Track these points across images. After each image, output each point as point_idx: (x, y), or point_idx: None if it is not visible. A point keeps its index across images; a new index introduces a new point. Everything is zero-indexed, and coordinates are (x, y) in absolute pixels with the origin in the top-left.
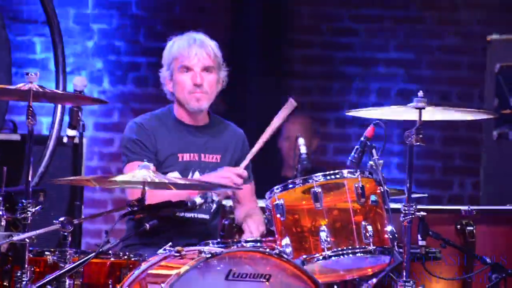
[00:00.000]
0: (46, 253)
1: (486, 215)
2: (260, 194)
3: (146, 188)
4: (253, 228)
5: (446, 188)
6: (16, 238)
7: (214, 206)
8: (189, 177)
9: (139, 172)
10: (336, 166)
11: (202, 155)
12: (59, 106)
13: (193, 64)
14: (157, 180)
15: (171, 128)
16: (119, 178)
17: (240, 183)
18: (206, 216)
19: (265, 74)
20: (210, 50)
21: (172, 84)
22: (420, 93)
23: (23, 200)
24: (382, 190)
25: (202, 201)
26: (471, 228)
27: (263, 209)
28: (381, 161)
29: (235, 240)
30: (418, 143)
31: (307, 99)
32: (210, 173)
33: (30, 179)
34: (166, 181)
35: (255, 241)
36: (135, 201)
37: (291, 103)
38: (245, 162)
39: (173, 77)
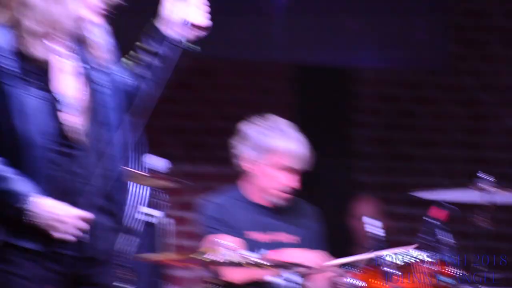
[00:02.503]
0: None
1: None
2: None
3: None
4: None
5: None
6: None
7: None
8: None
9: (225, 251)
10: (404, 245)
11: (276, 234)
12: (139, 187)
13: (297, 168)
14: (233, 259)
15: (243, 207)
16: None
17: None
18: None
19: (329, 155)
20: (308, 154)
21: (257, 170)
22: (484, 175)
23: None
24: (454, 272)
25: (286, 284)
26: None
27: None
28: (449, 242)
29: None
30: (485, 225)
31: (373, 179)
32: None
33: None
34: (244, 260)
35: None
36: (216, 279)
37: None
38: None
39: (262, 165)
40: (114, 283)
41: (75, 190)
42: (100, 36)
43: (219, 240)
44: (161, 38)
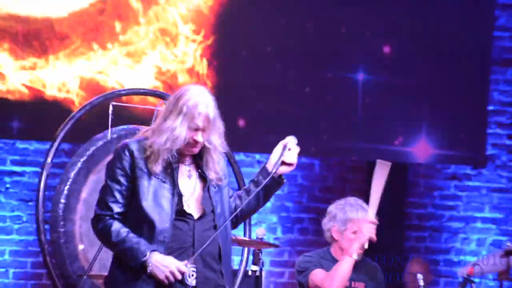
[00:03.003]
0: None
1: None
2: None
3: None
4: None
5: None
6: None
7: None
8: None
9: None
10: None
11: (352, 283)
12: (246, 249)
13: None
14: None
15: (330, 264)
16: None
17: (373, 232)
18: None
19: (393, 231)
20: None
21: (340, 236)
22: (508, 243)
23: None
24: None
25: None
26: None
27: None
28: None
29: None
30: (506, 280)
31: (423, 245)
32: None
33: None
34: None
35: None
36: None
37: (382, 165)
38: (372, 213)
39: (344, 233)
40: None
41: (187, 249)
42: (216, 157)
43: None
44: (267, 174)
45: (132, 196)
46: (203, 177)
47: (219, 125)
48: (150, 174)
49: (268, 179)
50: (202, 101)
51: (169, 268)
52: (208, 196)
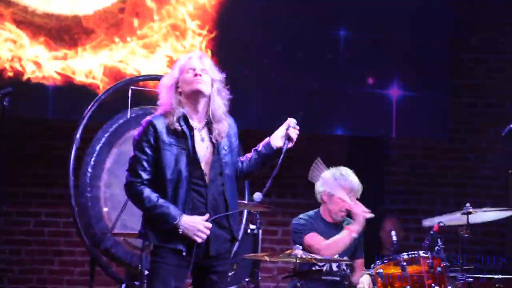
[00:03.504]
0: None
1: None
2: (368, 265)
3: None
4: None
5: (485, 263)
6: None
7: (344, 272)
8: None
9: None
10: (415, 249)
11: None
12: (245, 212)
13: (350, 196)
14: (304, 257)
15: (319, 225)
16: (282, 256)
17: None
18: (338, 278)
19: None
20: (359, 188)
21: (328, 199)
22: (468, 205)
23: None
24: (444, 264)
25: (337, 269)
26: None
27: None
28: (443, 246)
29: None
30: (466, 235)
31: (396, 207)
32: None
33: None
34: (310, 257)
35: None
36: (292, 269)
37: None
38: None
39: (332, 198)
40: (227, 271)
41: (202, 212)
42: (221, 122)
43: (297, 245)
44: (269, 145)
45: (157, 164)
46: (213, 142)
47: (217, 71)
48: (171, 144)
49: (283, 152)
50: (190, 55)
51: (197, 227)
52: (219, 159)
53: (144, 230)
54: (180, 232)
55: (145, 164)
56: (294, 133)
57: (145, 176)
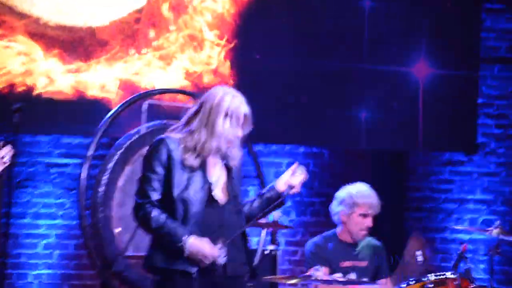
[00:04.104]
0: None
1: None
2: None
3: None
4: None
5: None
6: None
7: None
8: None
9: (316, 273)
10: (441, 270)
11: (356, 262)
12: (264, 230)
13: (370, 213)
14: (325, 278)
15: (336, 246)
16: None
17: None
18: None
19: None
20: (379, 204)
21: (347, 219)
22: (497, 223)
23: None
24: (473, 286)
25: None
26: None
27: None
28: (472, 266)
29: None
30: (496, 255)
31: (421, 225)
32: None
33: None
34: (331, 279)
35: None
36: None
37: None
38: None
39: (351, 216)
40: None
41: (214, 232)
42: (236, 154)
43: (316, 267)
44: (274, 189)
45: (168, 183)
46: (226, 167)
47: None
48: (183, 165)
49: (283, 198)
50: (242, 101)
51: (204, 252)
52: (231, 184)
53: (149, 254)
54: (186, 255)
55: (155, 184)
56: (296, 180)
57: (154, 196)
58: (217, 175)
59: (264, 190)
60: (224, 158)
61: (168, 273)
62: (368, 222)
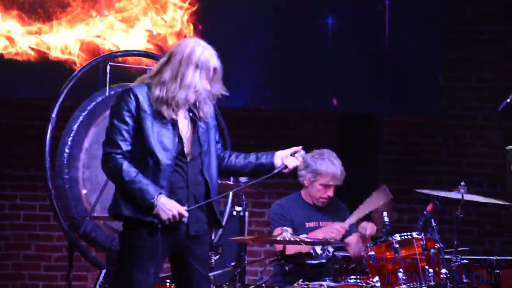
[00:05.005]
0: (223, 286)
1: (509, 263)
2: None
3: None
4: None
5: (481, 244)
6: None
7: (330, 255)
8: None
9: (282, 233)
10: (408, 230)
11: (320, 222)
12: (231, 192)
13: (332, 184)
14: (292, 239)
15: (300, 207)
16: (268, 237)
17: (340, 236)
18: (324, 261)
19: (362, 170)
20: (342, 175)
21: (310, 185)
22: (462, 183)
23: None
24: (438, 246)
25: (321, 251)
26: (498, 271)
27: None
28: (437, 227)
29: (343, 278)
30: (461, 215)
31: (388, 187)
32: (322, 228)
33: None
34: (298, 239)
35: (356, 278)
36: (279, 252)
37: (384, 191)
38: (348, 222)
39: (314, 183)
40: (207, 256)
41: (182, 189)
42: (207, 104)
43: (284, 228)
44: (271, 158)
45: (137, 136)
46: (193, 119)
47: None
48: (153, 115)
49: (273, 173)
50: (212, 54)
51: (172, 212)
52: (197, 137)
53: (114, 202)
54: (154, 212)
55: (125, 134)
56: (292, 162)
57: (125, 147)
58: (185, 130)
59: (262, 154)
60: (191, 111)
61: (134, 223)
62: (330, 192)
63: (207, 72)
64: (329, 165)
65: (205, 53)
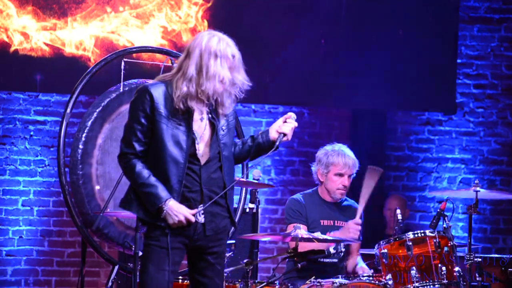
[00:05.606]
0: (236, 283)
1: None
2: (372, 245)
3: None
4: (365, 270)
5: (494, 242)
6: None
7: (342, 254)
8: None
9: (295, 230)
10: (421, 228)
11: (336, 221)
12: (244, 189)
13: (346, 172)
14: (305, 236)
15: (317, 204)
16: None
17: (358, 234)
18: (336, 260)
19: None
20: (355, 163)
21: (325, 178)
22: (476, 181)
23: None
24: (451, 243)
25: (334, 251)
26: (511, 270)
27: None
28: (450, 224)
29: (355, 276)
30: (475, 213)
31: (401, 183)
32: (339, 230)
33: None
34: (311, 237)
35: (369, 276)
36: (292, 249)
37: (373, 170)
38: (358, 215)
39: (328, 175)
40: (224, 252)
41: (196, 192)
42: (227, 103)
43: (297, 225)
44: (267, 135)
45: (152, 136)
46: (212, 121)
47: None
48: (167, 116)
49: (276, 145)
50: (229, 42)
51: (179, 218)
52: (216, 139)
53: (128, 198)
54: (162, 216)
55: (140, 134)
56: (288, 128)
57: (138, 147)
58: (202, 130)
59: (257, 135)
60: (216, 105)
61: (148, 224)
62: (344, 181)
63: (227, 60)
64: (340, 154)
65: (222, 42)
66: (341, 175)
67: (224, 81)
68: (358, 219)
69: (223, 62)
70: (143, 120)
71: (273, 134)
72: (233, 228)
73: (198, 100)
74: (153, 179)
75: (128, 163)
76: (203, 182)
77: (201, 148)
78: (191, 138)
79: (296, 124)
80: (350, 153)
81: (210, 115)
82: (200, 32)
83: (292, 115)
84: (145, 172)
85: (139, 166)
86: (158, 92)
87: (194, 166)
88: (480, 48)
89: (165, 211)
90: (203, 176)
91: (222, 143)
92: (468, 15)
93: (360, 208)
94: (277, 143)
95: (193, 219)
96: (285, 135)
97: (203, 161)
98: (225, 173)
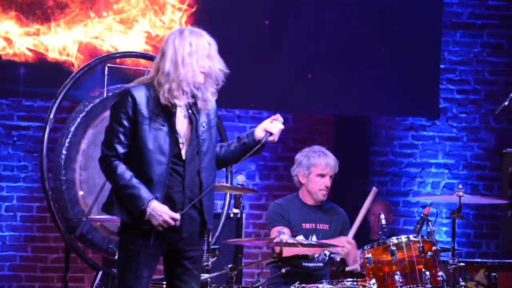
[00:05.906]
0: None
1: (505, 266)
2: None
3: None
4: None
5: (477, 247)
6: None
7: (326, 258)
8: (309, 239)
9: (279, 235)
10: (405, 232)
11: (318, 224)
12: (228, 194)
13: (327, 172)
14: (290, 241)
15: (298, 207)
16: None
17: (348, 249)
18: (321, 264)
19: (357, 176)
20: (336, 163)
21: (306, 180)
22: (460, 186)
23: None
24: (435, 248)
25: (318, 255)
26: (495, 274)
27: None
28: (434, 229)
29: (340, 280)
30: (458, 218)
31: (385, 188)
32: (330, 239)
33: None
34: (296, 242)
35: (353, 281)
36: (276, 254)
37: (374, 192)
38: (351, 234)
39: (309, 176)
40: (200, 257)
41: (178, 193)
42: (208, 95)
43: (281, 229)
44: (252, 135)
45: (134, 138)
46: (191, 117)
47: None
48: (150, 117)
49: (261, 144)
50: (201, 32)
51: (163, 217)
52: (196, 135)
53: (109, 201)
54: (145, 218)
55: (121, 136)
56: (275, 128)
57: (120, 149)
58: (184, 130)
59: (242, 135)
60: (196, 99)
61: (128, 227)
62: (326, 181)
63: (202, 49)
64: (321, 155)
65: (193, 33)
66: (322, 175)
67: (204, 70)
68: (351, 239)
69: (199, 51)
70: (125, 122)
71: (259, 133)
72: (209, 228)
73: (182, 94)
74: (135, 181)
75: (110, 165)
76: (186, 183)
77: (185, 148)
78: (174, 138)
79: (282, 126)
80: (330, 153)
81: (190, 111)
82: (170, 32)
83: (279, 116)
84: (127, 174)
85: (121, 168)
86: (139, 94)
87: (177, 167)
88: (463, 54)
89: (148, 213)
90: (187, 177)
91: (201, 139)
92: (451, 20)
93: (354, 227)
94: (263, 141)
95: (178, 217)
96: (271, 134)
97: (186, 161)
98: (203, 172)
